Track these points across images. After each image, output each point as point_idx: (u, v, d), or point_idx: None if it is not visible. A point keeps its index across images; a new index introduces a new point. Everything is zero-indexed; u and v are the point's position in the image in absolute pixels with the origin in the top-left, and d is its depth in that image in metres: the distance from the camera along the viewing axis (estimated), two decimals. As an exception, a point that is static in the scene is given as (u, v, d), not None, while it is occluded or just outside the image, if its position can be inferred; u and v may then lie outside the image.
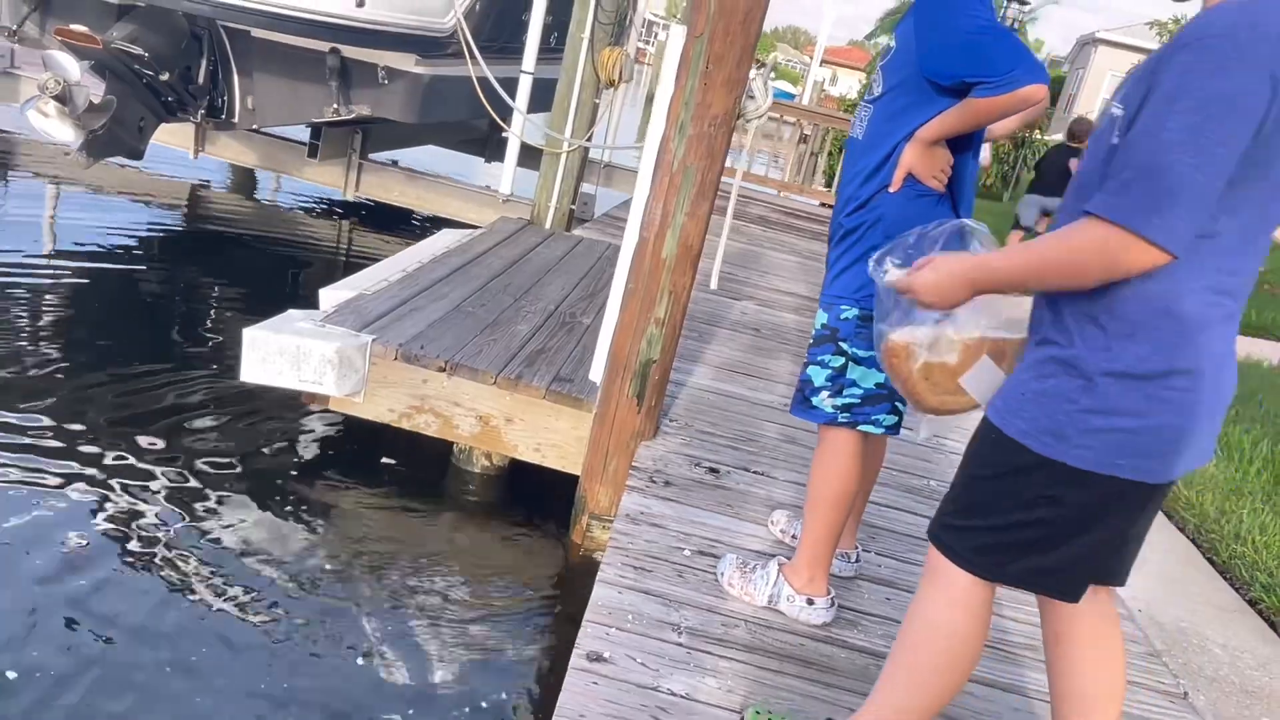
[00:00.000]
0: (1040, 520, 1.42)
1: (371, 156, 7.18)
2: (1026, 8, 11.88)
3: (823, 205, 9.87)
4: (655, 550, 2.45)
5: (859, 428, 2.14)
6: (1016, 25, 11.30)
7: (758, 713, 1.82)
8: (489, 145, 8.58)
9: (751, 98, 2.83)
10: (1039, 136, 13.89)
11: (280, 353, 3.27)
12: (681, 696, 1.91)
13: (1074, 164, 6.44)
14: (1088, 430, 1.35)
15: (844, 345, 2.11)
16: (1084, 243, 1.29)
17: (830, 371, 2.14)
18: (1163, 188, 1.22)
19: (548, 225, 6.14)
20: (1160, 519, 3.52)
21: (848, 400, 2.13)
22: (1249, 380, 5.06)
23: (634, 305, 2.95)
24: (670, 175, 2.82)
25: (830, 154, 10.86)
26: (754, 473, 3.06)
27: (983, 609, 1.52)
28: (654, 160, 2.93)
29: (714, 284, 5.16)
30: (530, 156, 6.49)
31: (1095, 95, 30.59)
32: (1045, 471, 1.39)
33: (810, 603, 2.25)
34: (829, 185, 10.61)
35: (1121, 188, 1.25)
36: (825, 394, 2.15)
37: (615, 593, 2.22)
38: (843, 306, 2.10)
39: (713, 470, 3.02)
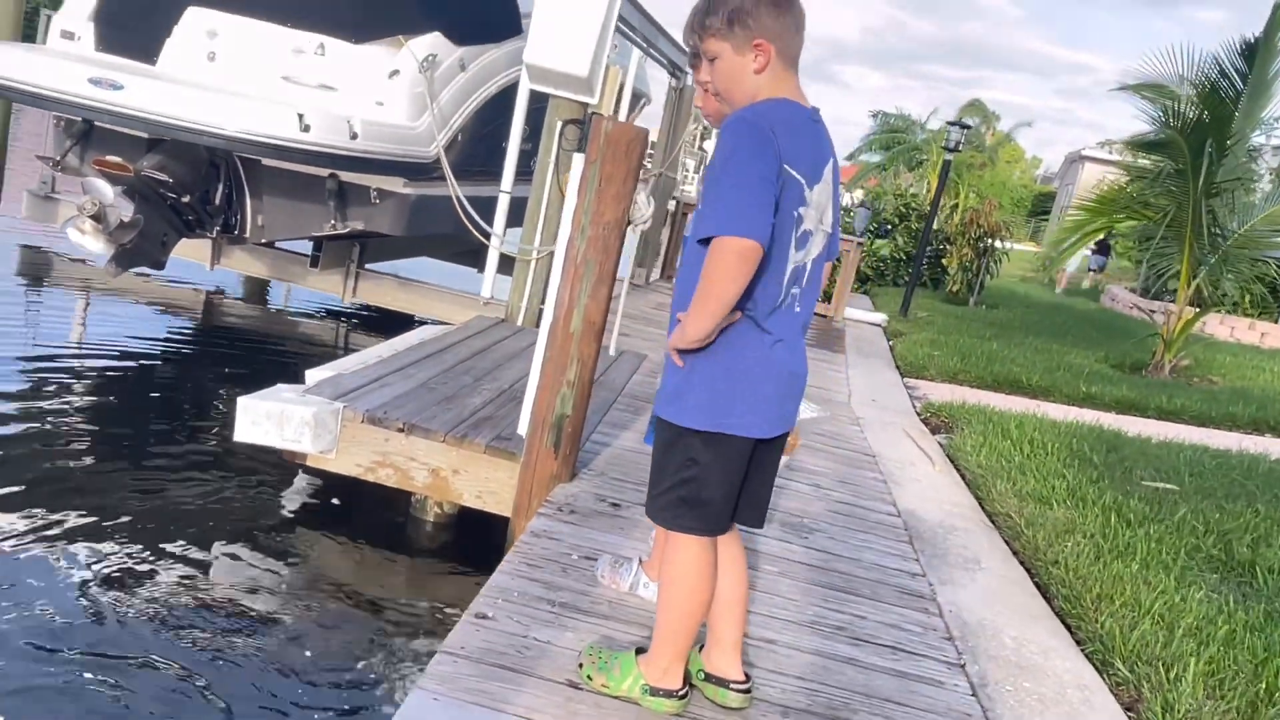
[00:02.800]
0: (688, 478, 2.13)
1: (369, 266, 8.06)
2: (968, 130, 12.94)
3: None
4: (548, 554, 3.10)
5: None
6: (961, 147, 12.29)
7: (592, 648, 2.46)
8: (481, 257, 9.48)
9: (637, 206, 3.61)
10: (1001, 245, 14.81)
11: (267, 416, 3.99)
12: (544, 642, 2.55)
13: None
14: (695, 405, 2.08)
15: None
16: (711, 261, 1.94)
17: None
18: (723, 204, 1.91)
19: (520, 322, 6.92)
20: (1003, 550, 4.15)
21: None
22: (1124, 449, 5.72)
23: (550, 370, 3.67)
24: (575, 267, 3.58)
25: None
26: (649, 508, 3.72)
27: (703, 553, 2.18)
28: (563, 256, 3.69)
29: (613, 350, 6.08)
30: (511, 264, 7.32)
31: (1082, 208, 31.93)
32: (684, 439, 2.11)
33: (661, 587, 2.89)
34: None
35: (705, 214, 1.95)
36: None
37: (508, 579, 2.87)
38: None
39: (614, 505, 3.68)
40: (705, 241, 1.95)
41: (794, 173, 1.97)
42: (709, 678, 2.39)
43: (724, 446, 2.10)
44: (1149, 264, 11.17)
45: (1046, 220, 40.06)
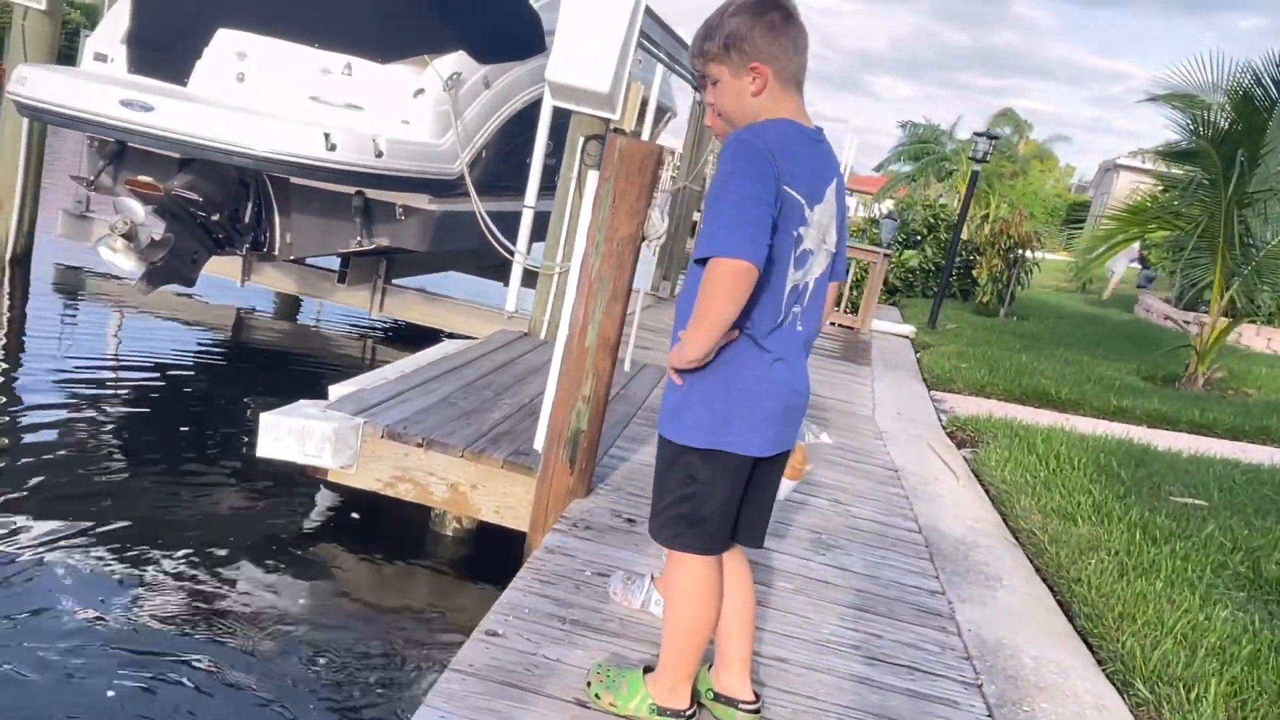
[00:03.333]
0: (687, 495, 2.13)
1: (396, 281, 8.14)
2: (996, 141, 12.82)
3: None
4: (562, 571, 3.11)
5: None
6: (989, 157, 12.18)
7: (600, 667, 2.47)
8: (507, 271, 9.54)
9: (651, 222, 3.62)
10: (1031, 256, 14.66)
11: (289, 432, 4.04)
12: (553, 660, 2.56)
13: None
14: (694, 423, 2.08)
15: None
16: (706, 282, 1.95)
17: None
18: (719, 225, 1.92)
19: (542, 336, 6.95)
20: (1025, 568, 4.09)
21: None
22: (1153, 463, 5.63)
23: (565, 385, 3.68)
24: (590, 283, 3.60)
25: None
26: (665, 524, 3.72)
27: (706, 571, 2.18)
28: (578, 272, 3.72)
29: (628, 365, 6.13)
30: (536, 278, 7.37)
31: (1117, 216, 31.67)
32: (684, 457, 2.11)
33: (673, 604, 2.89)
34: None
35: (703, 234, 1.95)
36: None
37: (519, 595, 2.88)
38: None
39: (630, 520, 3.69)
40: (703, 262, 1.95)
41: (793, 193, 1.97)
42: (718, 697, 2.39)
43: (722, 464, 2.10)
44: (1182, 274, 11.01)
45: (1080, 229, 39.58)
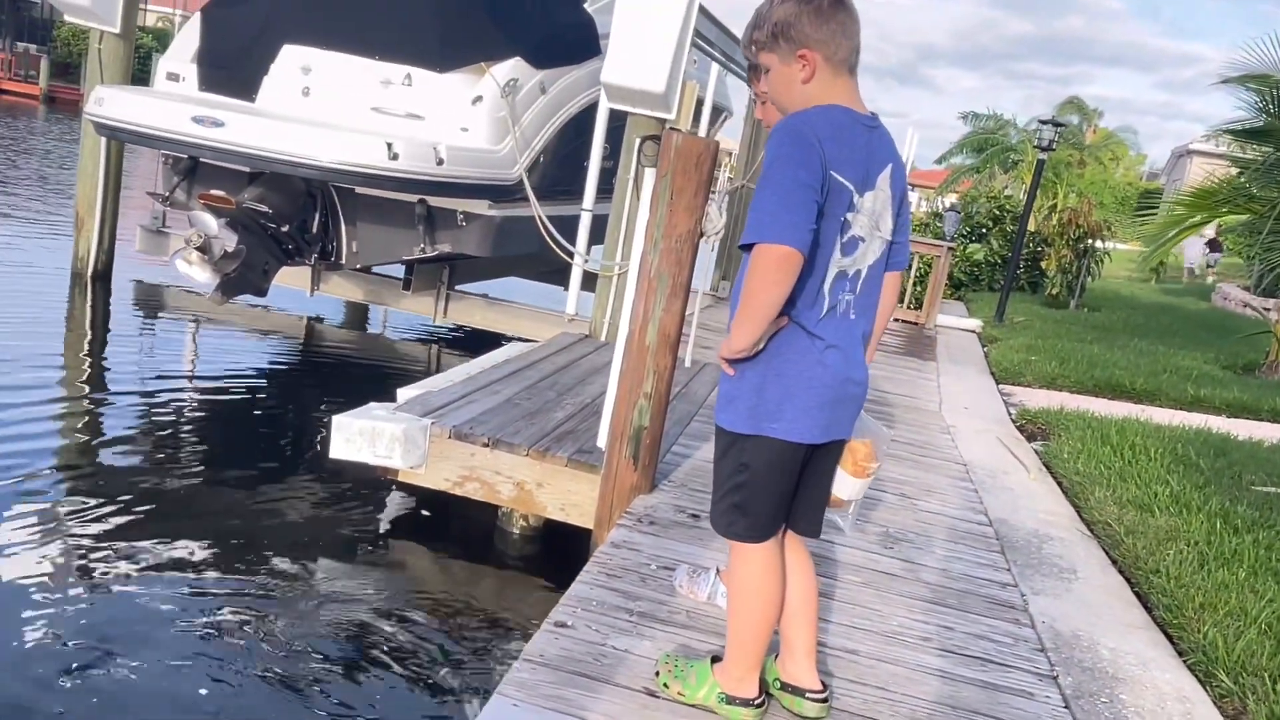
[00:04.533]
0: (741, 483, 2.14)
1: (458, 287, 8.27)
2: (1061, 129, 12.53)
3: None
4: (627, 565, 3.14)
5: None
6: (1054, 145, 11.90)
7: (667, 657, 2.48)
8: (567, 275, 9.63)
9: (709, 218, 3.63)
10: (1101, 246, 14.30)
11: (360, 433, 4.14)
12: (621, 650, 2.58)
13: None
14: (746, 410, 2.09)
15: None
16: (750, 268, 1.97)
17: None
18: (763, 211, 1.92)
19: (603, 338, 6.99)
20: (1100, 559, 4.00)
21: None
22: (1233, 453, 5.46)
23: (626, 383, 3.71)
24: (649, 280, 3.62)
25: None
26: (730, 518, 3.72)
27: (767, 558, 2.19)
28: (637, 270, 3.74)
29: (688, 362, 6.14)
30: (595, 281, 7.42)
31: (1190, 204, 30.75)
32: (737, 444, 2.12)
33: (739, 597, 2.89)
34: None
35: (749, 221, 1.95)
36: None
37: (587, 588, 2.91)
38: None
39: (694, 516, 3.70)
40: (748, 248, 1.96)
41: (839, 178, 1.97)
42: (785, 686, 2.39)
43: (774, 451, 2.10)
44: (1260, 259, 10.63)
45: (1150, 217, 38.38)
